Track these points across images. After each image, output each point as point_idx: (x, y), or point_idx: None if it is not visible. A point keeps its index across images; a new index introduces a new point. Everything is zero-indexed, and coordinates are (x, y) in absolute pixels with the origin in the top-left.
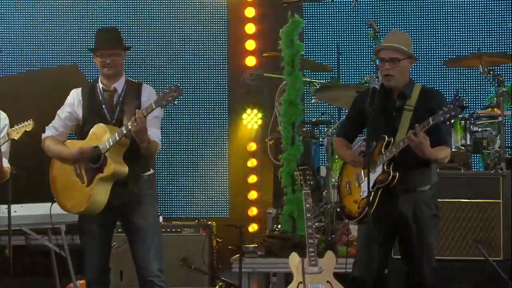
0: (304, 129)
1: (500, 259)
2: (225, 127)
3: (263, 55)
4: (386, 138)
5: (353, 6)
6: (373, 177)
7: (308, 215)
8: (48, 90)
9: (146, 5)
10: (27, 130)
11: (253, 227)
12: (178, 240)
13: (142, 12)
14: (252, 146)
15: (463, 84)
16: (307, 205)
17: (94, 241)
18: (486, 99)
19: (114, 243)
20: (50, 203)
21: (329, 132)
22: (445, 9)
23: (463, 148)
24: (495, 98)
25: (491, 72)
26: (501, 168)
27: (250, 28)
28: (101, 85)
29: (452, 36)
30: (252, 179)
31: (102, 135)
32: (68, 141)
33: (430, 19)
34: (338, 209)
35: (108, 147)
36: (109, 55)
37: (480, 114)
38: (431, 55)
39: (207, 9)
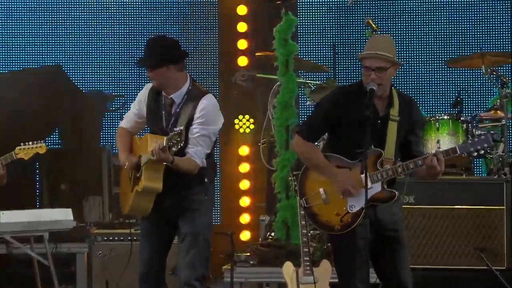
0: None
1: (503, 268)
2: None
3: (256, 54)
4: (383, 152)
5: (350, 4)
6: (368, 193)
7: (303, 222)
8: (32, 90)
9: (132, 2)
10: (39, 152)
11: (245, 235)
12: None
13: (128, 10)
14: (245, 150)
15: (465, 85)
16: (301, 212)
17: (144, 238)
18: (489, 101)
19: (100, 252)
20: (36, 210)
21: (325, 136)
22: (445, 7)
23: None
24: (498, 100)
25: (494, 73)
26: (505, 173)
27: (242, 27)
28: (163, 92)
29: (454, 35)
30: (245, 184)
31: (146, 146)
32: (148, 134)
33: (431, 16)
34: (303, 212)
35: (144, 161)
36: (149, 69)
37: (483, 117)
38: (431, 55)
39: (197, 6)
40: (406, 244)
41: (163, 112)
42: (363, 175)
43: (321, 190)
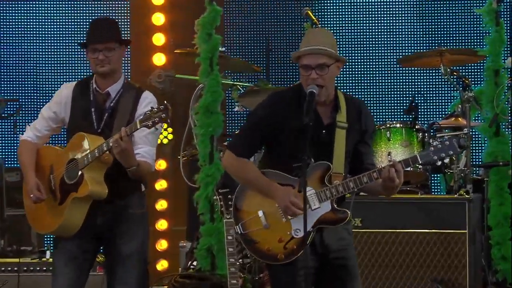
0: (225, 143)
1: None
2: None
3: (175, 51)
4: (331, 166)
5: None
6: (314, 213)
7: (231, 249)
8: None
9: None
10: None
11: (162, 265)
12: None
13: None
14: (161, 165)
15: (420, 88)
16: (229, 237)
17: (64, 267)
18: (449, 107)
19: None
20: None
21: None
22: None
23: (420, 167)
24: (460, 105)
25: (455, 73)
26: (467, 191)
27: (159, 19)
28: (94, 85)
29: (408, 29)
30: (161, 205)
31: (82, 147)
32: (46, 145)
33: (381, 8)
34: (241, 241)
35: (85, 163)
36: (101, 49)
37: (442, 125)
38: (381, 52)
39: None
40: (357, 274)
41: (93, 110)
42: (309, 194)
43: (260, 212)
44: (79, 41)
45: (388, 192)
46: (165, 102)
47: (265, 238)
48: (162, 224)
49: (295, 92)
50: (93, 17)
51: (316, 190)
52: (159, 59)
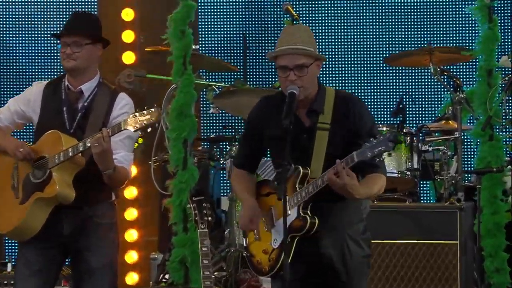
0: (200, 148)
1: None
2: None
3: (145, 50)
4: (302, 170)
5: None
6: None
7: (205, 261)
8: None
9: None
10: None
11: (132, 278)
12: None
13: None
14: (131, 171)
15: (408, 88)
16: (204, 249)
17: (30, 275)
18: (439, 109)
19: None
20: None
21: (232, 152)
22: None
23: (408, 173)
24: (450, 107)
25: (445, 73)
26: (459, 199)
27: (128, 14)
28: (66, 83)
29: (395, 26)
30: (131, 214)
31: (54, 145)
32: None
33: (367, 2)
34: (245, 254)
35: (57, 162)
36: (69, 44)
37: (431, 129)
38: (366, 51)
39: None
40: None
41: (64, 109)
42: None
43: None
44: (44, 34)
45: (344, 194)
46: (155, 105)
47: (257, 251)
48: (131, 235)
49: (280, 96)
50: (61, 10)
51: (288, 197)
52: (128, 57)
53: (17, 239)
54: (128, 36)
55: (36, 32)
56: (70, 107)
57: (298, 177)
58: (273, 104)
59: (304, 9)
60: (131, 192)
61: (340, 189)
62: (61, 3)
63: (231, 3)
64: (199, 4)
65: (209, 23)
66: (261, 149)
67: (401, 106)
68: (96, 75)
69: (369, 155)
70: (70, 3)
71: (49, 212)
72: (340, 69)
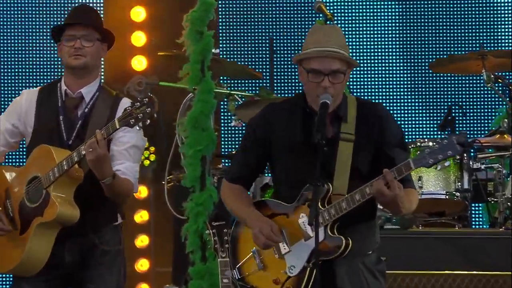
0: (220, 166)
1: None
2: None
3: (158, 54)
4: (326, 187)
5: None
6: (307, 245)
7: None
8: None
9: None
10: None
11: None
12: None
13: None
14: (141, 192)
15: (458, 98)
16: (225, 280)
17: None
18: (492, 121)
19: None
20: None
21: None
22: None
23: (458, 195)
24: (506, 120)
25: (500, 80)
26: None
27: (138, 14)
28: (63, 87)
29: (442, 28)
30: (141, 241)
31: (46, 161)
32: (3, 166)
33: (410, 2)
34: (226, 280)
35: (52, 179)
36: (79, 37)
37: (483, 144)
38: (409, 56)
39: None
40: None
41: (61, 117)
42: (303, 221)
43: (253, 250)
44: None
45: (390, 208)
46: (149, 93)
47: (262, 282)
48: (142, 265)
49: (292, 103)
50: (63, 10)
51: (307, 215)
52: (139, 63)
53: (24, 275)
54: (138, 39)
55: (35, 32)
56: (67, 115)
57: (327, 194)
58: (283, 112)
59: (336, 8)
60: (141, 216)
61: (389, 202)
62: (61, 3)
63: (256, 1)
64: (220, 1)
65: (231, 23)
66: (265, 162)
67: (449, 118)
68: (98, 79)
69: (430, 162)
70: (70, 3)
71: (54, 239)
72: (376, 77)
